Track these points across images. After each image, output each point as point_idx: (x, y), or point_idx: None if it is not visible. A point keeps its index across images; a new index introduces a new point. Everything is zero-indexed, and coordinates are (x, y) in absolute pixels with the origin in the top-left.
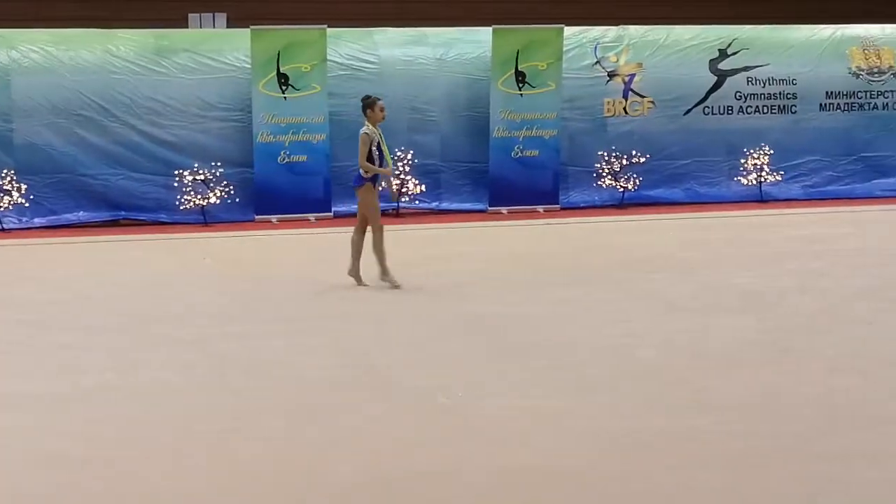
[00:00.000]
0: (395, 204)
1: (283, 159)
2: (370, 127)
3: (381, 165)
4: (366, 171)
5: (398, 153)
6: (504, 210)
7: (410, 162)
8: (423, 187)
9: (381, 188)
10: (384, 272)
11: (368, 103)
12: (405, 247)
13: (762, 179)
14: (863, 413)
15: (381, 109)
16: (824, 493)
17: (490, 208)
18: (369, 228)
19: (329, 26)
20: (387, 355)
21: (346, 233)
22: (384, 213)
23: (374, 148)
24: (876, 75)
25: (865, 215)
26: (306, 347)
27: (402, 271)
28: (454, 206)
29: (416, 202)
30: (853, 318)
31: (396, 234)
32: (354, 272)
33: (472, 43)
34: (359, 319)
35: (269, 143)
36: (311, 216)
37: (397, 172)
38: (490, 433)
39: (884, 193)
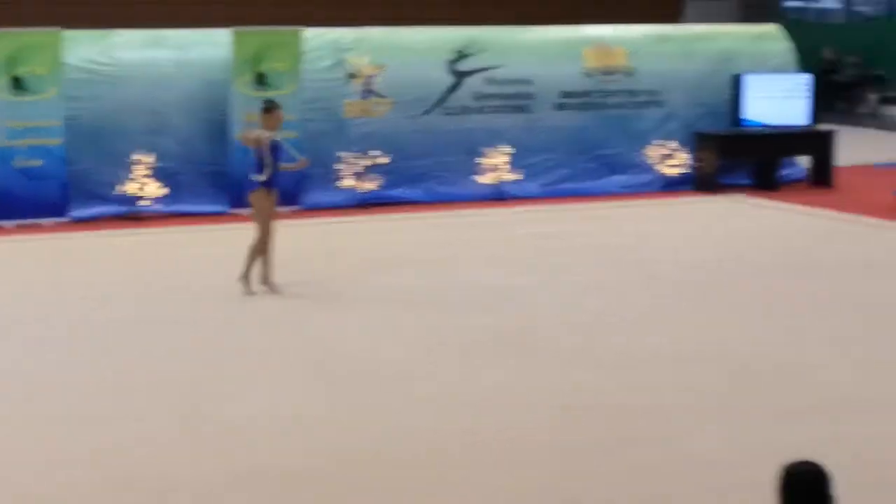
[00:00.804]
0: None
1: (18, 164)
2: (264, 131)
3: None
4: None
5: (138, 158)
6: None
7: (151, 165)
8: (166, 190)
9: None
10: (245, 275)
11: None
12: (143, 252)
13: (501, 178)
14: (601, 405)
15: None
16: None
17: (231, 210)
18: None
19: (63, 28)
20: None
21: (85, 238)
22: (124, 217)
23: (266, 151)
24: (609, 75)
25: (601, 212)
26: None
27: (150, 277)
28: (195, 208)
29: (156, 205)
30: (590, 312)
31: (135, 240)
32: (264, 278)
33: (212, 45)
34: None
35: (2, 148)
36: (47, 221)
37: (132, 176)
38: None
39: (618, 190)
